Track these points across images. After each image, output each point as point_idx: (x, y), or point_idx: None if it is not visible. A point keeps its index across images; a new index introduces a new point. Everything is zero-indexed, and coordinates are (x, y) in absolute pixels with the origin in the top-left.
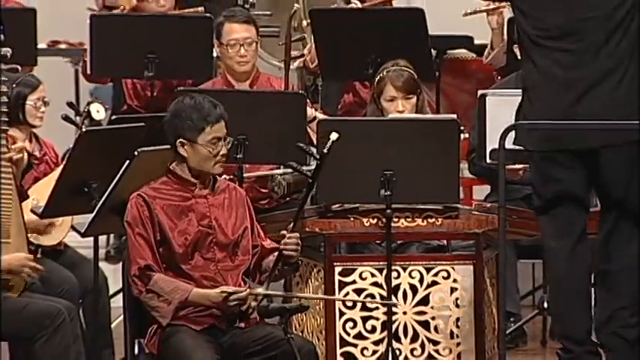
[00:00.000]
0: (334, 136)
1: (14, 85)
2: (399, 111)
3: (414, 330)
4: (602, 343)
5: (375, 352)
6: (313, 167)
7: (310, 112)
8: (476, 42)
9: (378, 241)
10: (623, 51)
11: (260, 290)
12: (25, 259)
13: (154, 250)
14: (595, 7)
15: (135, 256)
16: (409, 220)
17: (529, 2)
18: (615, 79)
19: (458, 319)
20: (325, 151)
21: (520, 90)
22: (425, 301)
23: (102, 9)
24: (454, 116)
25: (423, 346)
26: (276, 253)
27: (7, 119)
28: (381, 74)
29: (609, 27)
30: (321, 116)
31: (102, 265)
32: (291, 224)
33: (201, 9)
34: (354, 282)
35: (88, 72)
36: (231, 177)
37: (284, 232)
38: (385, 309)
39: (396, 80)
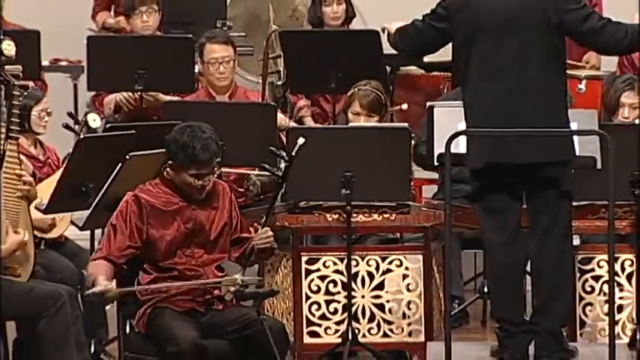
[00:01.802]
0: (301, 140)
1: (21, 98)
2: None
3: (371, 312)
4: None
5: (337, 331)
6: (283, 169)
7: (284, 120)
8: (425, 60)
9: (339, 234)
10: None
11: (237, 277)
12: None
13: (115, 241)
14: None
15: (102, 240)
16: (366, 215)
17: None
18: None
19: (409, 302)
20: (293, 154)
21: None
22: (380, 286)
23: (101, 30)
24: (406, 125)
25: (379, 325)
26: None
27: (18, 128)
28: (354, 89)
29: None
30: (292, 124)
31: None
32: (264, 219)
33: None
34: (318, 270)
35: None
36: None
37: (257, 225)
38: (346, 293)
39: (363, 99)
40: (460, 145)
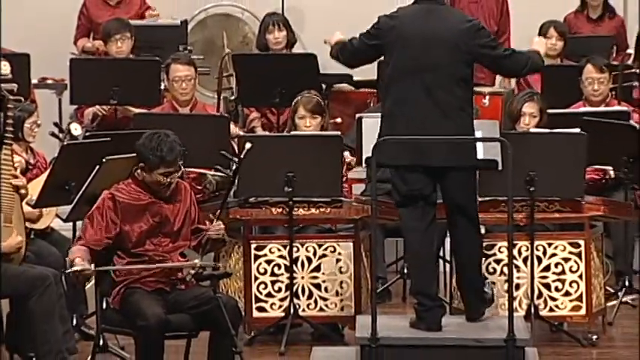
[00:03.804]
0: (248, 145)
1: (16, 111)
2: (307, 126)
3: (310, 290)
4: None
5: (280, 306)
6: (234, 169)
7: (235, 130)
8: (355, 78)
9: (283, 225)
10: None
11: (196, 261)
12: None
13: (94, 233)
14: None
15: (82, 229)
16: (306, 209)
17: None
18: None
19: (341, 282)
20: (242, 157)
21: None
22: (317, 268)
23: (81, 53)
24: (338, 133)
25: (316, 302)
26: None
27: (12, 136)
28: (297, 98)
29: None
30: (242, 133)
31: None
32: (218, 212)
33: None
34: (265, 255)
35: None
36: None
37: (212, 218)
38: (288, 274)
39: (307, 104)
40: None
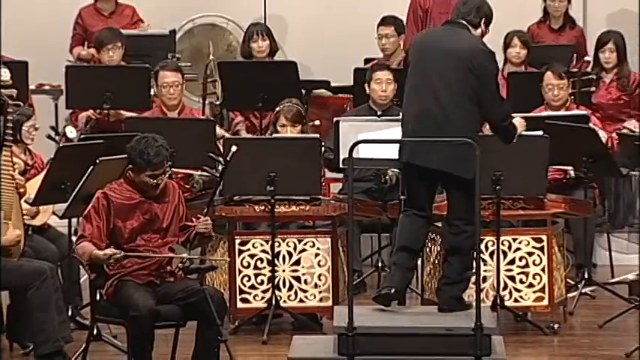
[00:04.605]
0: (234, 148)
1: (15, 115)
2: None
3: (290, 282)
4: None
5: (263, 297)
6: (220, 170)
7: (221, 133)
8: (332, 84)
9: (265, 222)
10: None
11: (184, 255)
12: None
13: (93, 229)
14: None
15: (81, 227)
16: (287, 206)
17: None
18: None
19: (320, 275)
20: (228, 158)
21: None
22: (297, 262)
23: (76, 61)
24: (317, 135)
25: (296, 293)
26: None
27: (11, 138)
28: (279, 107)
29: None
30: (228, 135)
31: (73, 238)
32: (205, 210)
33: None
34: (248, 250)
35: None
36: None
37: (200, 215)
38: (270, 268)
39: (287, 113)
40: (360, 152)
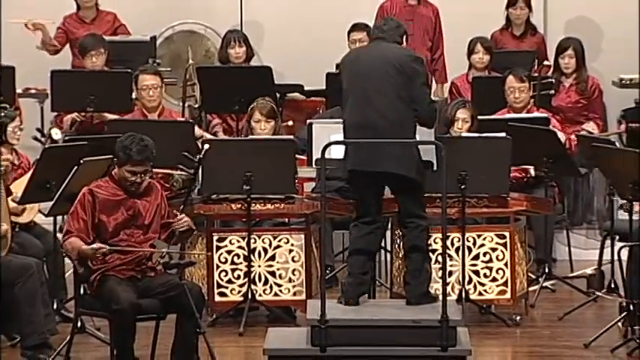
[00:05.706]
0: (206, 146)
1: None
2: (262, 129)
3: (265, 277)
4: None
5: (240, 291)
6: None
7: (200, 133)
8: (306, 88)
9: (241, 219)
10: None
11: (164, 250)
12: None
13: (80, 225)
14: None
15: (68, 224)
16: (262, 205)
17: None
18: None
19: (294, 270)
20: (201, 156)
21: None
22: (272, 258)
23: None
24: (292, 137)
25: (271, 287)
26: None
27: None
28: (253, 104)
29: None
30: (208, 136)
31: (58, 235)
32: (182, 207)
33: None
34: (226, 246)
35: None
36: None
37: (177, 212)
38: (246, 263)
39: (262, 109)
40: (332, 152)
